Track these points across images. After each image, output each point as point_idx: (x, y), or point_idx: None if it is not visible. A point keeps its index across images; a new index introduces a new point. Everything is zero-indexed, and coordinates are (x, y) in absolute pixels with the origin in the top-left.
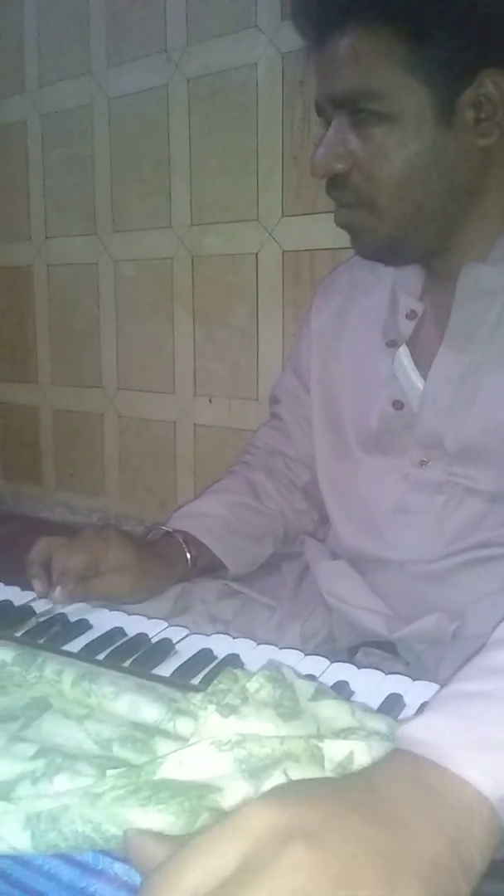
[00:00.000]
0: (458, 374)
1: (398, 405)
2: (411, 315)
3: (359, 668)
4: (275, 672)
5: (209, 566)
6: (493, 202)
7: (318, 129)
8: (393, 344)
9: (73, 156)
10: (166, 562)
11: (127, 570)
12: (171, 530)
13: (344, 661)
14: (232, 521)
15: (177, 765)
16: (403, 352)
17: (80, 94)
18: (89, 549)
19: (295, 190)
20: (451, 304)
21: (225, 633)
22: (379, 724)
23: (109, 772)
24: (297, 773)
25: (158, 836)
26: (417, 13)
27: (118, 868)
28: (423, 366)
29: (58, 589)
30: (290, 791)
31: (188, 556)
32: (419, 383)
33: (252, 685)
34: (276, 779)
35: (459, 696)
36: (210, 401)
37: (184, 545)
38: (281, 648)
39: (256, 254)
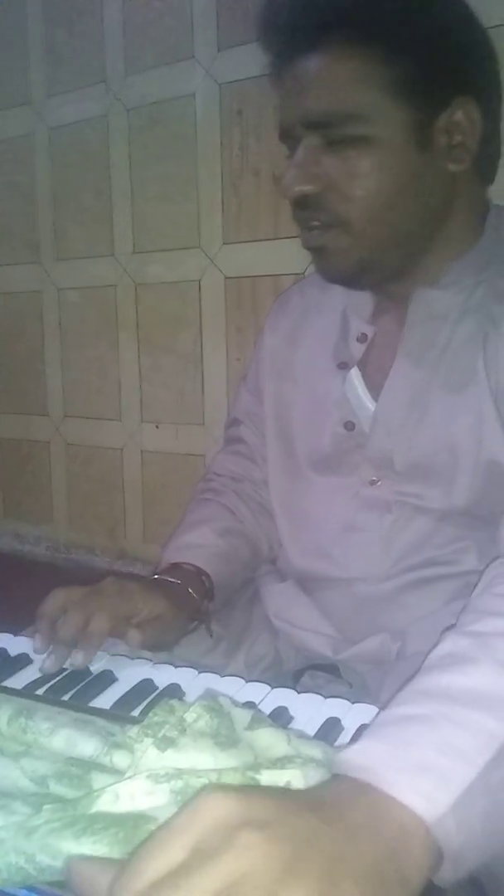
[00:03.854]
0: (408, 395)
1: (349, 426)
2: (362, 338)
3: (302, 692)
4: (212, 702)
5: (212, 595)
6: (457, 228)
7: (256, 157)
8: (344, 366)
9: (15, 184)
10: (182, 602)
11: (161, 619)
12: (187, 566)
13: (288, 686)
14: (225, 549)
15: (112, 798)
16: (355, 373)
17: (20, 123)
18: (115, 608)
19: (235, 217)
20: (402, 328)
21: (167, 662)
22: (314, 751)
23: (45, 807)
24: None
25: (101, 861)
26: (394, 34)
27: None
28: (374, 387)
29: (80, 655)
30: (242, 787)
31: (200, 590)
32: (370, 404)
33: (190, 715)
34: None
35: (395, 721)
36: (157, 427)
37: (196, 577)
38: (223, 676)
39: (199, 281)
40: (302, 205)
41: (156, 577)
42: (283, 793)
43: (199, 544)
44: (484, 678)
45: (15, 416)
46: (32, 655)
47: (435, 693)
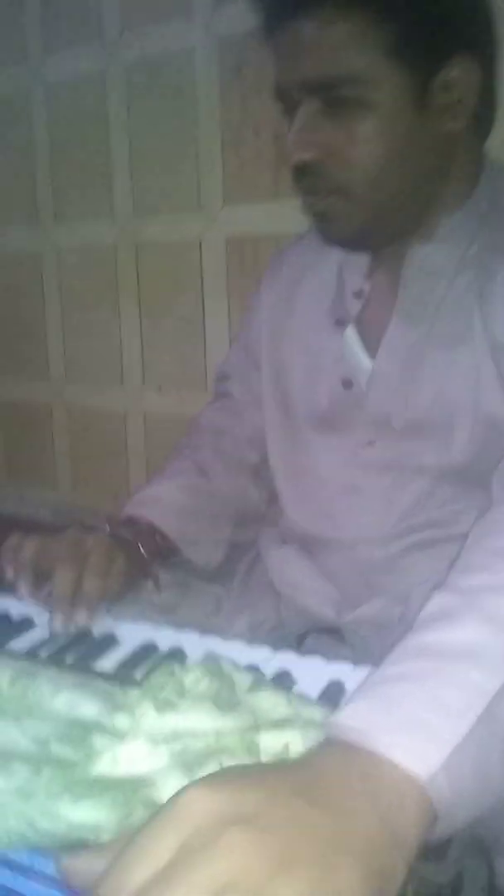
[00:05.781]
0: (405, 352)
1: (347, 384)
2: (359, 294)
3: (304, 655)
4: (213, 665)
5: (168, 555)
6: (454, 185)
7: (257, 115)
8: (341, 323)
9: (12, 143)
10: (132, 556)
11: (114, 575)
12: (143, 521)
13: (291, 649)
14: (188, 504)
15: (111, 761)
16: (351, 331)
17: (16, 81)
18: (102, 566)
19: (236, 177)
20: (398, 284)
21: (170, 625)
22: (314, 713)
23: (44, 769)
24: (233, 764)
25: (93, 851)
26: None
27: (52, 868)
28: (371, 345)
29: (83, 613)
30: (226, 776)
31: (150, 547)
32: (367, 362)
33: (190, 678)
34: (210, 770)
35: (384, 681)
36: (159, 391)
37: (155, 537)
38: (226, 639)
39: (200, 241)
40: (303, 171)
41: (109, 531)
42: (266, 776)
43: (161, 499)
44: (472, 633)
45: (16, 380)
46: (37, 619)
47: (423, 651)
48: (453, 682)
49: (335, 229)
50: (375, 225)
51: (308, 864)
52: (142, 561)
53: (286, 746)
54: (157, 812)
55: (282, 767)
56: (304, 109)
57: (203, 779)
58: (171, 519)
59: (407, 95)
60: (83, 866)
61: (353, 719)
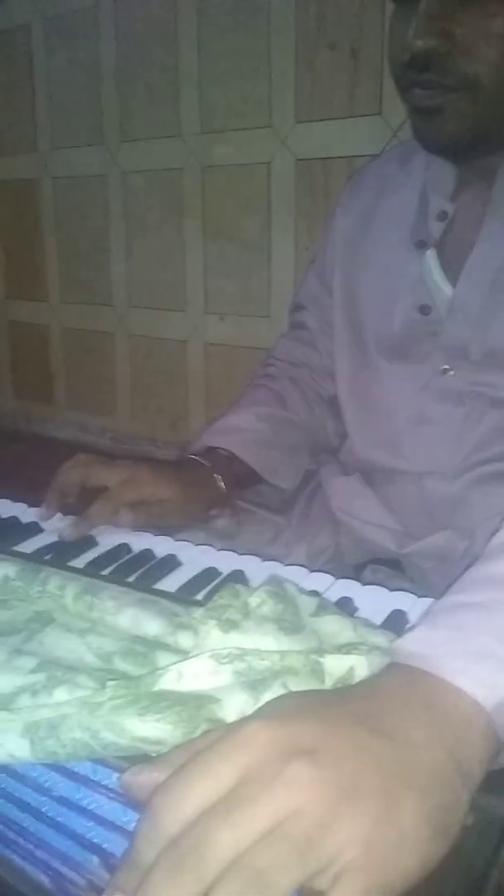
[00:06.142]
0: (488, 279)
1: (425, 310)
2: (442, 216)
3: (364, 585)
4: (277, 587)
5: (248, 483)
6: None
7: (333, 28)
8: (422, 245)
9: (79, 61)
10: (204, 488)
11: (167, 504)
12: (212, 448)
13: (349, 579)
14: (268, 434)
15: (176, 676)
16: (431, 255)
17: None
18: (119, 495)
19: (309, 94)
20: (484, 207)
21: (231, 550)
22: (380, 639)
23: (109, 683)
24: (297, 686)
25: (153, 765)
26: None
27: (115, 780)
28: (452, 270)
29: (69, 529)
30: (288, 705)
31: (228, 477)
32: (447, 288)
33: (254, 600)
34: (275, 691)
35: (452, 608)
36: (221, 319)
37: (228, 463)
38: (286, 565)
39: (269, 163)
40: (421, 63)
41: (189, 456)
42: (329, 705)
43: (240, 428)
44: None
45: (79, 306)
46: (98, 538)
47: (492, 580)
48: None
49: (448, 128)
50: (492, 129)
51: (371, 799)
52: (215, 489)
53: (351, 670)
54: (221, 735)
55: (345, 694)
56: None
57: (262, 708)
58: (251, 448)
59: None
60: (144, 780)
61: (420, 645)
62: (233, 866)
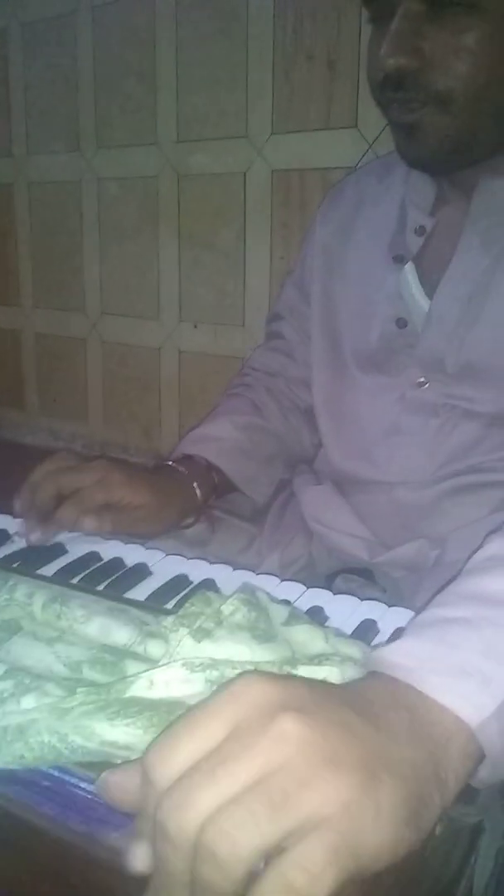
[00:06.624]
0: (465, 293)
1: (401, 323)
2: (420, 231)
3: (335, 594)
4: (249, 595)
5: (223, 492)
6: None
7: (311, 39)
8: (400, 259)
9: (56, 67)
10: (180, 495)
11: (141, 510)
12: (189, 456)
13: (321, 588)
14: (245, 443)
15: (147, 684)
16: (409, 268)
17: (63, 1)
18: (90, 497)
19: (286, 105)
20: (463, 221)
21: (202, 559)
22: (352, 649)
23: (79, 689)
24: None
25: (130, 766)
26: None
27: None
28: (430, 284)
29: (37, 534)
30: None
31: (206, 485)
32: (424, 302)
33: (227, 607)
34: None
35: (437, 622)
36: (195, 326)
37: (205, 472)
38: (257, 574)
39: (245, 173)
40: (395, 81)
41: (166, 463)
42: (316, 684)
43: (216, 437)
44: None
45: (51, 312)
46: (68, 546)
47: (478, 596)
48: None
49: (426, 143)
50: (469, 142)
51: (353, 770)
52: (192, 497)
53: (324, 681)
54: (211, 695)
55: (331, 686)
56: (403, 10)
57: (258, 671)
58: (228, 457)
59: None
60: (120, 781)
61: (405, 657)
62: (205, 824)
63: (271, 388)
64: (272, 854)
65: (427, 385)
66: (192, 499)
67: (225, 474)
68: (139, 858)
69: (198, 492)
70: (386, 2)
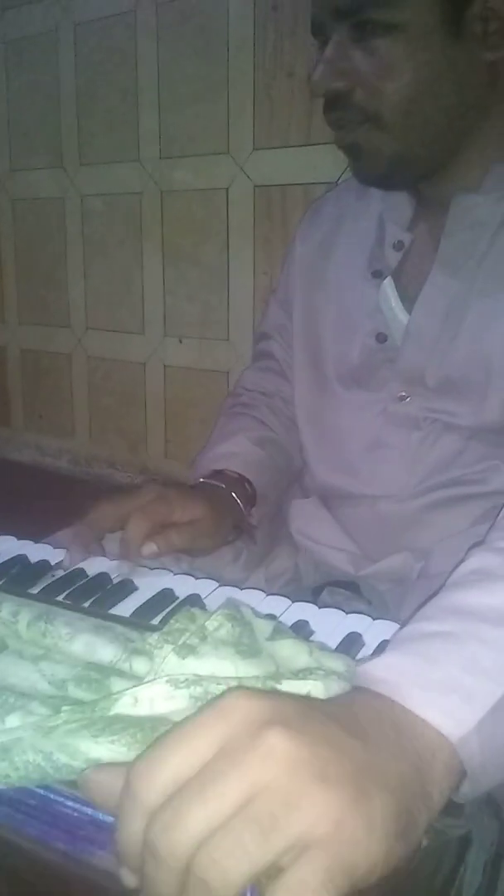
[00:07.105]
0: (443, 307)
1: (381, 338)
2: (398, 246)
3: (321, 607)
4: (233, 611)
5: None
6: (494, 124)
7: (291, 56)
8: (378, 275)
9: (38, 84)
10: (230, 509)
11: (199, 524)
12: (218, 472)
13: (307, 601)
14: (264, 458)
15: (131, 701)
16: (388, 283)
17: (45, 18)
18: (154, 512)
19: (267, 122)
20: (440, 236)
21: (188, 574)
22: (336, 663)
23: (64, 707)
24: None
25: (113, 766)
26: None
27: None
28: (408, 298)
29: (126, 565)
30: (264, 692)
31: (244, 497)
32: (403, 316)
33: (211, 623)
34: None
35: (420, 637)
36: (180, 341)
37: (239, 484)
38: (243, 588)
39: (227, 189)
40: (333, 103)
41: (201, 480)
42: (307, 700)
43: (237, 452)
44: None
45: (36, 328)
46: (53, 562)
47: (461, 610)
48: (491, 645)
49: (368, 163)
50: (408, 157)
51: (343, 786)
52: (235, 508)
53: (308, 695)
54: (198, 710)
55: (315, 701)
56: (333, 39)
57: (246, 687)
58: (256, 469)
59: (440, 21)
60: (103, 781)
61: (388, 672)
62: (196, 850)
63: (270, 407)
64: (269, 872)
65: (408, 399)
66: (238, 511)
67: (254, 487)
68: (127, 877)
69: (240, 503)
70: (323, 31)
